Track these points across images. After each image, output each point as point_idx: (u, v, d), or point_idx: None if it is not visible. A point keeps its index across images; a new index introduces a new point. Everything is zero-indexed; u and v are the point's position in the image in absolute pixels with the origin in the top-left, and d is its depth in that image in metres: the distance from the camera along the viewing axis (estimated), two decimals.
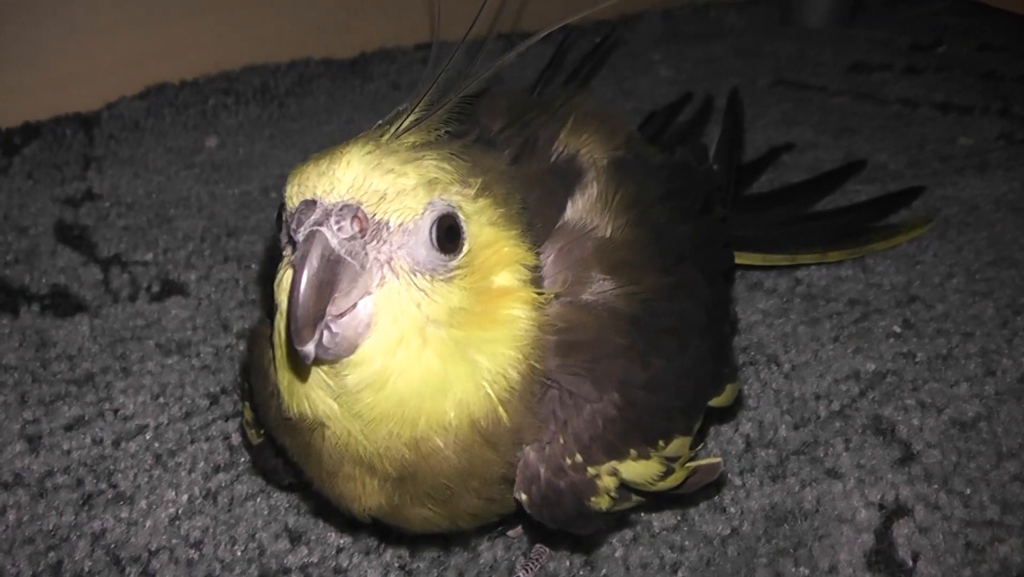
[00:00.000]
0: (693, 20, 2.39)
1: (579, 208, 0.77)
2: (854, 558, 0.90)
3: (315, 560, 0.92)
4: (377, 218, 0.60)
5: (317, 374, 0.64)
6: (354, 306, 0.60)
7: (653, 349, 0.76)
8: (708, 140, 1.34)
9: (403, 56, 2.12)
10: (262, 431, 0.85)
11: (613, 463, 0.74)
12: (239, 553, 0.93)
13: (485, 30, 0.77)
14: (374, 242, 0.60)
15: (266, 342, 0.74)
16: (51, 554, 0.92)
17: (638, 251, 0.78)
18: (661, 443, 0.77)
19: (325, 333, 0.58)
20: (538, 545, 0.92)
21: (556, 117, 0.85)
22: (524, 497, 0.73)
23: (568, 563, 0.92)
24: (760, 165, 1.51)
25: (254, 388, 0.79)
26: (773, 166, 1.56)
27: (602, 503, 0.75)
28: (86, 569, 0.91)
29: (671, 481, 0.79)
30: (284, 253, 0.64)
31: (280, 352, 0.67)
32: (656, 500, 0.84)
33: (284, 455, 0.80)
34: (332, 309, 0.58)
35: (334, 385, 0.64)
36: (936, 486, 0.97)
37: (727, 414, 1.03)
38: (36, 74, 1.75)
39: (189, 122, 1.83)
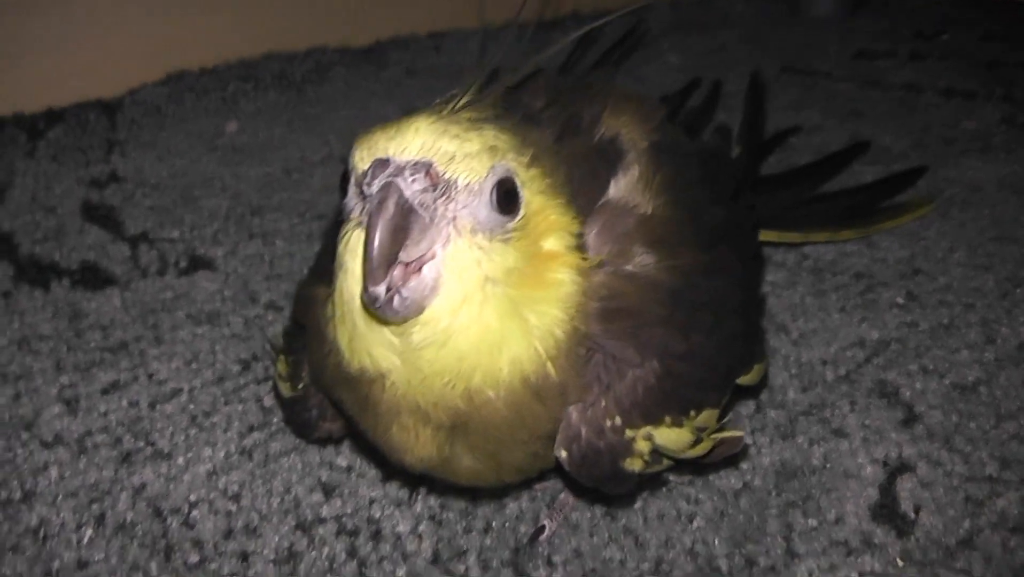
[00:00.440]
0: (701, 9, 2.43)
1: (622, 187, 0.81)
2: (859, 510, 0.95)
3: (348, 511, 0.96)
4: (447, 176, 0.64)
5: (381, 332, 0.68)
6: (419, 271, 0.64)
7: (691, 323, 0.80)
8: (718, 124, 1.38)
9: (417, 44, 2.16)
10: (299, 385, 0.90)
11: (649, 428, 0.78)
12: (275, 505, 0.97)
13: (529, 17, 0.82)
14: (443, 198, 0.64)
15: (322, 304, 0.78)
16: (94, 506, 0.97)
17: (677, 228, 0.82)
18: (693, 413, 0.81)
19: (395, 297, 0.63)
20: (561, 496, 0.96)
21: (597, 98, 0.89)
22: (564, 455, 0.77)
23: (589, 514, 0.96)
24: (767, 147, 1.54)
25: (309, 348, 0.83)
26: (780, 148, 1.60)
27: (635, 465, 0.79)
28: (128, 520, 0.95)
29: (699, 450, 0.83)
30: (351, 217, 0.68)
31: (341, 310, 0.71)
32: (681, 466, 0.88)
33: (338, 409, 0.84)
34: (403, 255, 0.62)
35: (398, 342, 0.68)
36: (938, 445, 1.01)
37: (751, 391, 1.07)
38: (59, 61, 1.80)
39: (210, 107, 1.87)
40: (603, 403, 0.76)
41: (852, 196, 1.42)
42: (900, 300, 1.24)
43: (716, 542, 0.93)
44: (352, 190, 0.68)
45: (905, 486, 0.97)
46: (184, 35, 1.93)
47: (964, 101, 1.85)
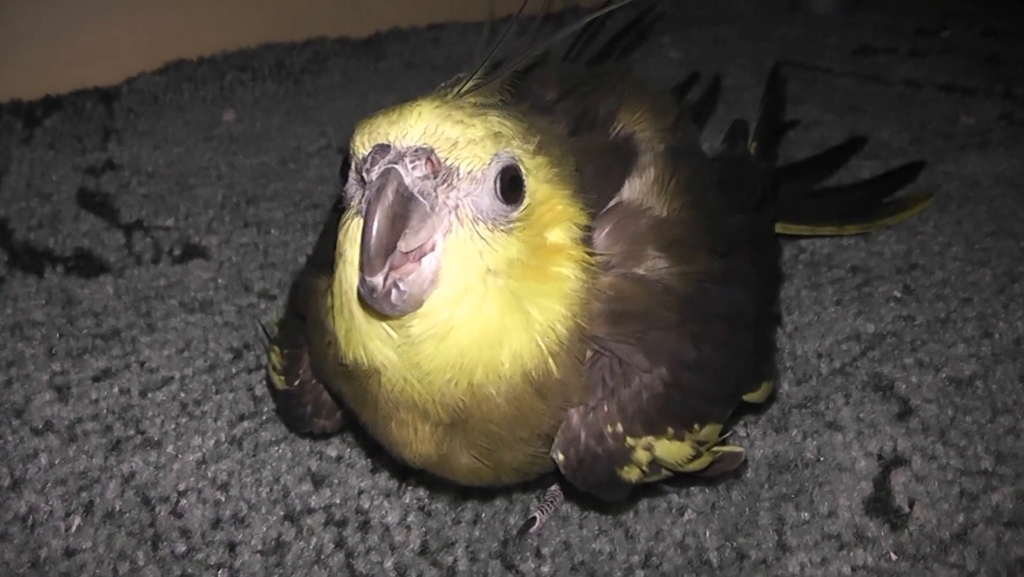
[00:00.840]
0: (702, 4, 2.43)
1: (636, 189, 0.79)
2: (853, 504, 0.94)
3: (337, 501, 0.95)
4: (448, 163, 0.63)
5: (378, 324, 0.67)
6: (418, 261, 0.63)
7: (703, 332, 0.78)
8: (716, 119, 1.37)
9: (416, 36, 2.16)
10: (295, 381, 0.89)
11: (650, 438, 0.77)
12: (264, 494, 0.96)
13: (535, 7, 0.81)
14: (444, 185, 0.63)
15: (322, 294, 0.77)
16: (83, 494, 0.96)
17: (692, 233, 0.80)
18: (696, 426, 0.79)
19: (393, 292, 0.61)
20: (552, 488, 0.95)
21: (613, 92, 0.87)
22: (561, 457, 0.76)
23: (580, 506, 0.95)
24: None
25: (309, 339, 0.82)
26: (778, 143, 1.59)
27: (632, 475, 0.78)
28: (117, 508, 0.95)
29: (697, 464, 0.81)
30: (350, 205, 0.67)
31: (339, 300, 0.69)
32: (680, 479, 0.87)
33: (339, 401, 0.83)
34: (402, 245, 0.61)
35: (396, 336, 0.66)
36: (933, 438, 1.01)
37: (754, 408, 1.05)
38: (58, 50, 1.80)
39: (207, 97, 1.87)
40: (606, 408, 0.75)
41: (852, 192, 1.41)
42: (897, 294, 1.23)
43: (707, 535, 0.92)
44: (352, 176, 0.66)
45: (899, 480, 0.96)
46: (183, 25, 1.93)
47: (963, 97, 1.85)
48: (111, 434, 1.03)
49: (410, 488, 0.97)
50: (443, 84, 0.71)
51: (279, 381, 0.91)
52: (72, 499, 0.95)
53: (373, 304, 0.62)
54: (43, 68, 1.79)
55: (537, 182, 0.68)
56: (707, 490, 0.96)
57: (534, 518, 0.92)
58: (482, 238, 0.64)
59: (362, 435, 0.80)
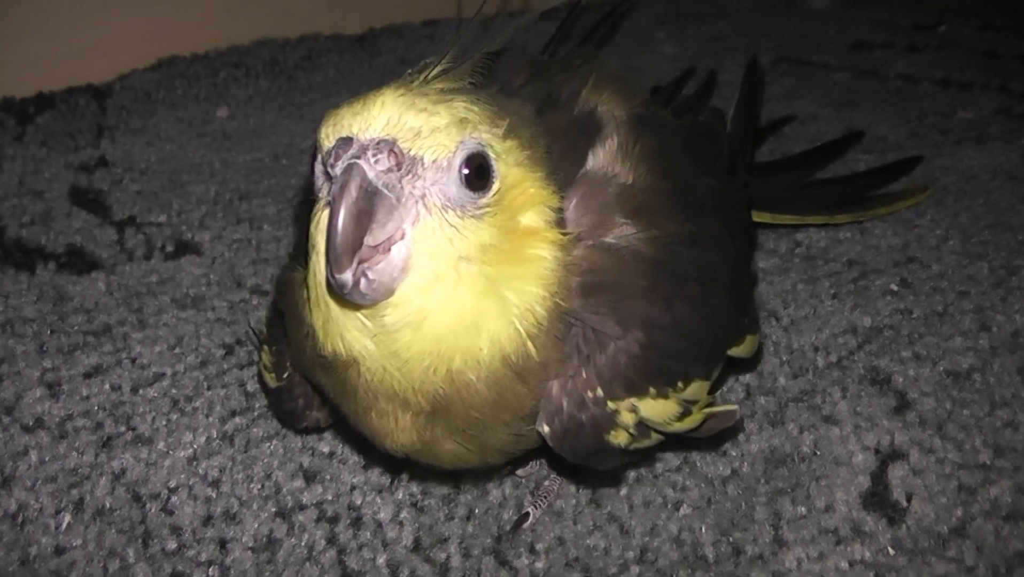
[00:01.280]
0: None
1: (600, 158, 0.79)
2: (850, 498, 0.93)
3: (329, 497, 0.95)
4: (412, 153, 0.62)
5: (353, 315, 0.66)
6: (388, 251, 0.62)
7: (676, 293, 0.78)
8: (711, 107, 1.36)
9: (410, 32, 2.15)
10: (284, 375, 0.88)
11: (633, 400, 0.76)
12: (256, 491, 0.95)
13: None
14: (409, 176, 0.62)
15: (299, 287, 0.76)
16: (73, 491, 0.95)
17: (660, 197, 0.80)
18: (680, 384, 0.79)
19: (362, 280, 0.61)
20: (546, 483, 0.95)
21: (579, 74, 0.87)
22: (547, 429, 0.75)
23: (574, 501, 0.95)
24: (761, 136, 1.53)
25: (288, 332, 0.82)
26: (775, 137, 1.59)
27: (620, 439, 0.77)
28: (107, 505, 0.94)
29: (688, 423, 0.81)
30: (319, 196, 0.67)
31: (315, 292, 0.69)
32: (674, 442, 0.86)
33: (321, 393, 0.82)
34: (369, 239, 0.61)
35: (371, 325, 0.66)
36: (930, 432, 1.00)
37: (748, 365, 1.05)
38: (50, 46, 1.78)
39: (200, 94, 1.86)
40: (583, 374, 0.74)
41: (847, 183, 1.41)
42: (893, 287, 1.22)
43: (703, 530, 0.91)
44: (319, 169, 0.66)
45: (897, 474, 0.95)
46: (175, 21, 1.92)
47: (960, 91, 1.84)
48: (102, 431, 1.02)
49: (403, 484, 0.96)
50: (410, 70, 0.70)
51: (271, 380, 0.91)
52: (62, 496, 0.95)
53: (344, 296, 0.62)
54: (35, 65, 1.78)
55: (507, 166, 0.67)
56: (703, 485, 0.96)
57: (527, 513, 0.92)
58: (452, 225, 0.64)
59: (350, 429, 0.80)
